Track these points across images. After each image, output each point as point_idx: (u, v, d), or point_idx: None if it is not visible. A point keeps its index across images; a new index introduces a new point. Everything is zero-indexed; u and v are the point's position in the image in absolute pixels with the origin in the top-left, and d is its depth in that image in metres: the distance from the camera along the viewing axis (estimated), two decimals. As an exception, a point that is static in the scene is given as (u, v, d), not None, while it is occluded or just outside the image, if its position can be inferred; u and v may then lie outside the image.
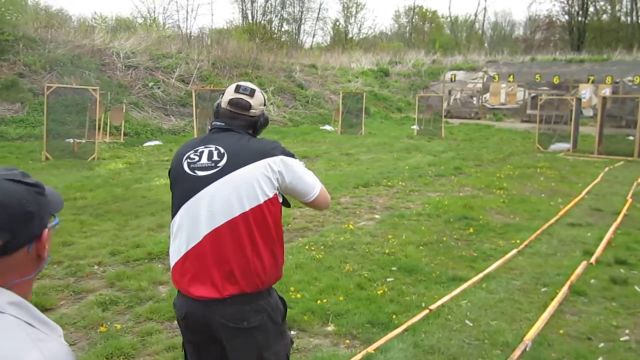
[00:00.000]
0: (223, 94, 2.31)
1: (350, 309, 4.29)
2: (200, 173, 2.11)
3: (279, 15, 54.29)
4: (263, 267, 2.09)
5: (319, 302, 4.42)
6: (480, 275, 5.10)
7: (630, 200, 8.96)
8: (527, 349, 3.67)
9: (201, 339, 2.15)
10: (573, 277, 5.02)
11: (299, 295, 4.54)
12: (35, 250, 1.13)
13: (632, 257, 5.82)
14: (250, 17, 52.56)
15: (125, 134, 16.86)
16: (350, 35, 57.63)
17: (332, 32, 59.29)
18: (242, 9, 53.01)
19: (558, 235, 6.84)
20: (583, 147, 17.32)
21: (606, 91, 24.65)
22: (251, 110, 2.23)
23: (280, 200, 2.17)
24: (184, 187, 2.14)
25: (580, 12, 48.21)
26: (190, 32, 42.19)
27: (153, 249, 5.79)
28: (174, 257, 2.15)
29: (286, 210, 7.23)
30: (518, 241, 6.40)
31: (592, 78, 26.81)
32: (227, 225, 2.05)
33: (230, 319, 2.05)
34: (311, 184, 2.23)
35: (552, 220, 7.45)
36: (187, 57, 23.63)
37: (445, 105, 28.19)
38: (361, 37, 58.44)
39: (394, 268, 5.33)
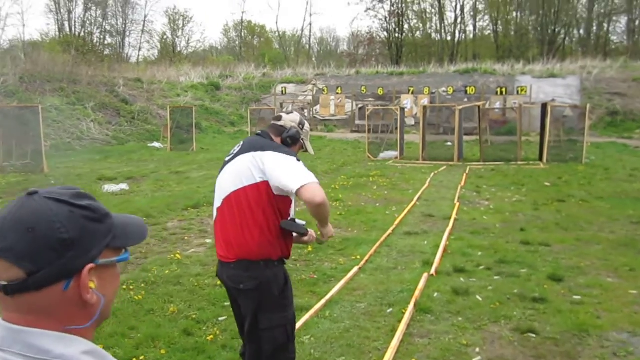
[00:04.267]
0: None
1: (172, 365, 3.53)
2: (227, 159, 2.74)
3: (101, 27, 50.88)
4: (253, 240, 2.53)
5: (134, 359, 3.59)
6: (323, 301, 4.61)
7: (457, 204, 9.24)
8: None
9: (230, 296, 2.77)
10: (417, 293, 4.74)
11: (108, 354, 3.65)
12: (74, 291, 0.88)
13: (468, 264, 5.77)
14: (68, 29, 48.59)
15: None
16: (178, 49, 55.81)
17: (159, 46, 57.01)
18: (58, 20, 48.84)
19: (396, 246, 6.67)
20: (409, 154, 18.12)
21: (425, 101, 26.33)
22: (280, 122, 2.81)
23: (276, 192, 2.52)
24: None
25: (397, 29, 51.70)
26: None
27: None
28: None
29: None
30: (358, 257, 6.08)
31: (411, 89, 28.53)
32: (227, 198, 2.61)
33: (231, 280, 2.60)
34: (293, 176, 2.45)
35: (389, 231, 7.31)
36: (-12, 71, 20.75)
37: (278, 118, 28.18)
38: (190, 50, 56.94)
39: (226, 303, 4.64)
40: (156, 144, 21.34)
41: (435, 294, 4.85)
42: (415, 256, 6.20)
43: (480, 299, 4.77)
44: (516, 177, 12.73)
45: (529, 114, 22.76)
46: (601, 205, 9.13)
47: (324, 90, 30.28)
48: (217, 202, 2.66)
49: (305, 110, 30.18)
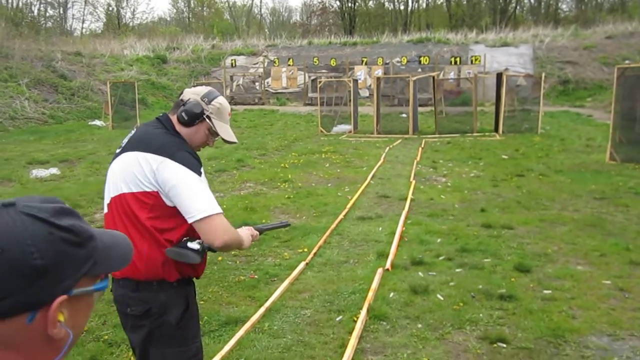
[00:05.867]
0: None
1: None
2: (117, 151, 2.11)
3: (41, -3, 48.00)
4: (139, 257, 1.93)
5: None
6: (262, 310, 3.96)
7: (413, 182, 8.71)
8: None
9: (120, 320, 2.16)
10: (370, 296, 4.15)
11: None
12: (39, 324, 0.74)
13: (427, 254, 5.22)
14: (5, 1, 45.64)
15: None
16: (124, 21, 53.37)
17: (104, 18, 54.41)
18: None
19: (349, 234, 6.06)
20: (363, 128, 17.52)
21: (378, 72, 25.71)
22: (182, 95, 2.14)
23: (169, 204, 1.94)
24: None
25: (349, -1, 50.67)
26: None
27: None
28: None
29: None
30: (306, 249, 5.44)
31: (365, 60, 27.86)
32: (110, 203, 2.03)
33: (118, 300, 2.06)
34: (192, 202, 1.90)
35: (340, 216, 6.69)
36: None
37: (228, 91, 27.11)
38: (136, 22, 54.57)
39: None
40: (97, 122, 20.07)
41: (391, 294, 4.27)
42: (369, 246, 5.61)
43: (441, 298, 4.21)
44: (473, 150, 12.31)
45: (483, 83, 22.40)
46: (561, 180, 8.74)
47: (275, 62, 29.28)
48: (105, 205, 2.09)
49: (257, 83, 29.18)
